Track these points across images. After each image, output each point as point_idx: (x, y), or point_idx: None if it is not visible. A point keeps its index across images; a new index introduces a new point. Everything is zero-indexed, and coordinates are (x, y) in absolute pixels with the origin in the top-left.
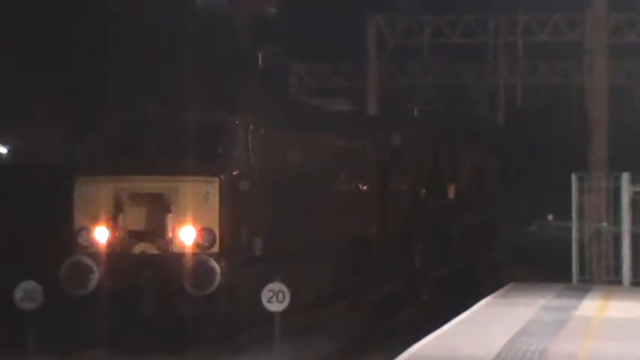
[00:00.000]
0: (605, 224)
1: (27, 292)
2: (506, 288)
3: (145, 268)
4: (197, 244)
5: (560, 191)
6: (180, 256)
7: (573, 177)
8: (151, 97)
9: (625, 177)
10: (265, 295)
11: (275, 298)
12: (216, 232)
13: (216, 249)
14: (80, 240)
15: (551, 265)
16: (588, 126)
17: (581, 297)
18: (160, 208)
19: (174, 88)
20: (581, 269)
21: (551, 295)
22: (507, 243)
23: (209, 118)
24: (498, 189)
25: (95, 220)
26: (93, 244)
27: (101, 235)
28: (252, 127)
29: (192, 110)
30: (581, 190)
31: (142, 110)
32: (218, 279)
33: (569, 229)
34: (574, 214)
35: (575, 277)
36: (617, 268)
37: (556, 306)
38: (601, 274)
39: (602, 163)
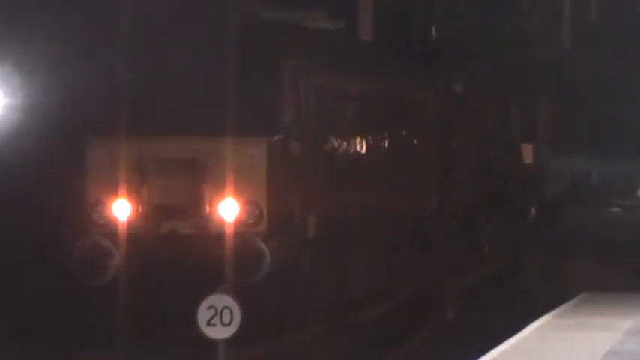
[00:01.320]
0: None
1: None
2: (575, 301)
3: (175, 251)
4: (240, 221)
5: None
6: (219, 236)
7: None
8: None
9: None
10: (203, 315)
11: (218, 318)
12: (264, 206)
13: (263, 227)
14: (95, 217)
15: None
16: None
17: None
18: (193, 177)
19: (204, 27)
20: None
21: None
22: (578, 230)
23: (252, 63)
24: (566, 150)
25: (113, 192)
26: (111, 221)
27: (121, 210)
28: (304, 73)
29: (229, 53)
30: None
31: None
32: (267, 264)
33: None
34: None
35: None
36: None
37: None
38: None
39: None
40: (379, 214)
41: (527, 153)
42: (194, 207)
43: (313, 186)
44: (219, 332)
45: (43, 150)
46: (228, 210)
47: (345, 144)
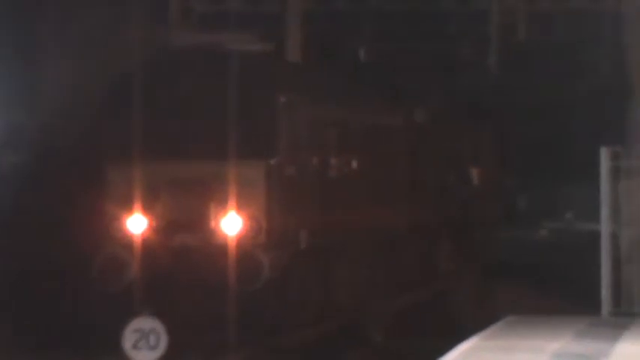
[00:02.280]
0: None
1: None
2: (501, 323)
3: (184, 261)
4: (242, 235)
5: (584, 175)
6: (223, 248)
7: (603, 152)
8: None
9: None
10: (129, 337)
11: (145, 341)
12: (263, 221)
13: (262, 240)
14: (113, 230)
15: (569, 288)
16: (628, 74)
17: (616, 338)
18: (200, 196)
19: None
20: (616, 295)
21: (569, 335)
22: (504, 253)
23: (252, 96)
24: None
25: (129, 208)
26: (127, 234)
27: (136, 225)
28: (297, 105)
29: (234, 88)
30: (615, 174)
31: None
32: (266, 273)
33: (597, 234)
34: (604, 211)
35: (605, 308)
36: None
37: (577, 352)
38: None
39: None
40: (355, 232)
41: (477, 175)
42: (201, 222)
43: (304, 204)
44: (145, 356)
45: (69, 172)
46: (231, 225)
47: (328, 167)
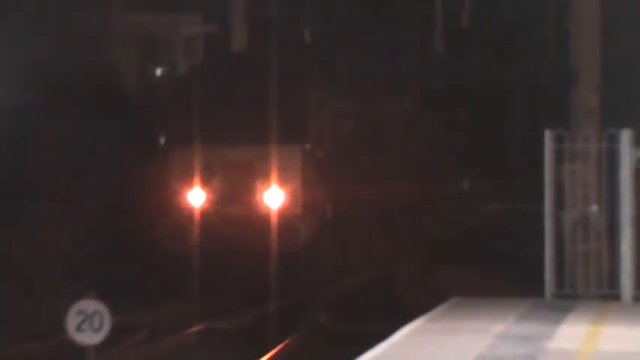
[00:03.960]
0: (595, 208)
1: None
2: (445, 306)
3: (235, 228)
4: (282, 206)
5: (528, 157)
6: (267, 217)
7: (547, 135)
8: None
9: (625, 135)
10: (73, 320)
11: (88, 324)
12: (299, 195)
13: (299, 210)
14: (176, 202)
15: (512, 270)
16: (573, 60)
17: (559, 320)
18: (248, 174)
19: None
20: (559, 277)
21: (512, 316)
22: (445, 234)
23: (291, 94)
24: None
25: (190, 184)
26: (188, 205)
27: (195, 198)
28: (323, 102)
29: (275, 87)
30: (559, 156)
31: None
32: (302, 238)
33: (541, 216)
34: (547, 193)
35: (548, 290)
36: (614, 275)
37: (520, 334)
38: (589, 285)
39: (592, 116)
40: (364, 206)
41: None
42: (249, 196)
43: (330, 181)
44: (89, 338)
45: (140, 153)
46: (273, 198)
47: (345, 151)
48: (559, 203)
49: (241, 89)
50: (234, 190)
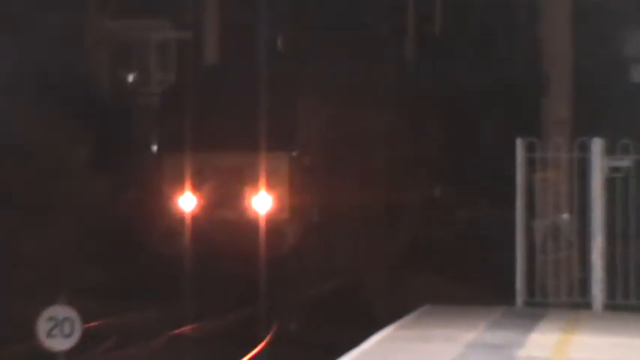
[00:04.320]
0: (566, 216)
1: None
2: (415, 313)
3: (224, 232)
4: (270, 211)
5: (498, 166)
6: (255, 221)
7: (519, 143)
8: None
9: (596, 144)
10: (43, 326)
11: (59, 329)
12: (286, 200)
13: (286, 215)
14: (170, 207)
15: (483, 278)
16: (544, 68)
17: (530, 328)
18: (237, 180)
19: (250, 82)
20: (530, 285)
21: (483, 324)
22: (416, 243)
23: (279, 104)
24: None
25: (181, 189)
26: (179, 210)
27: (186, 202)
28: (310, 111)
29: (264, 97)
30: (530, 165)
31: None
32: (289, 242)
33: (512, 224)
34: (519, 201)
35: (519, 298)
36: (585, 284)
37: (491, 342)
38: (560, 293)
39: (563, 125)
40: (346, 210)
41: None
42: (238, 201)
43: (316, 187)
44: (59, 344)
45: (135, 159)
46: (262, 203)
47: (329, 159)
48: (530, 211)
49: (230, 98)
50: (224, 196)
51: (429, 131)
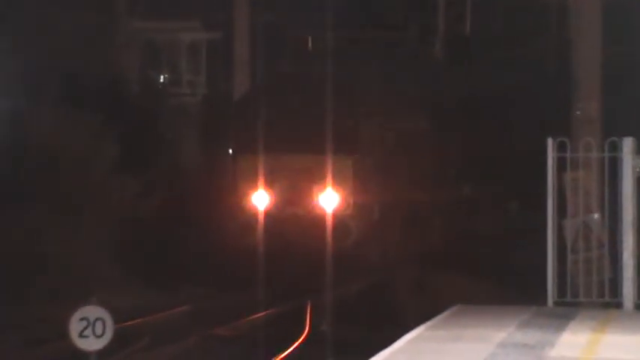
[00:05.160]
0: (597, 216)
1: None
2: (447, 313)
3: (295, 226)
4: (336, 208)
5: (529, 166)
6: (323, 217)
7: (550, 143)
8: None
9: (627, 144)
10: (76, 326)
11: (91, 330)
12: (351, 198)
13: (350, 211)
14: (245, 204)
15: (514, 278)
16: (574, 68)
17: (561, 328)
18: (307, 180)
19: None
20: (561, 285)
21: (514, 324)
22: (446, 241)
23: (346, 111)
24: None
25: (255, 188)
26: (254, 207)
27: (260, 200)
28: (370, 121)
29: (332, 106)
30: (561, 164)
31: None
32: (353, 236)
33: (543, 223)
34: (550, 201)
35: (551, 298)
36: (616, 283)
37: (521, 342)
38: (590, 293)
39: (593, 125)
40: (400, 208)
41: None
42: (307, 198)
43: (376, 187)
44: (91, 344)
45: (215, 161)
46: (328, 200)
47: (387, 161)
48: (561, 211)
49: (301, 105)
50: (294, 194)
51: (462, 132)
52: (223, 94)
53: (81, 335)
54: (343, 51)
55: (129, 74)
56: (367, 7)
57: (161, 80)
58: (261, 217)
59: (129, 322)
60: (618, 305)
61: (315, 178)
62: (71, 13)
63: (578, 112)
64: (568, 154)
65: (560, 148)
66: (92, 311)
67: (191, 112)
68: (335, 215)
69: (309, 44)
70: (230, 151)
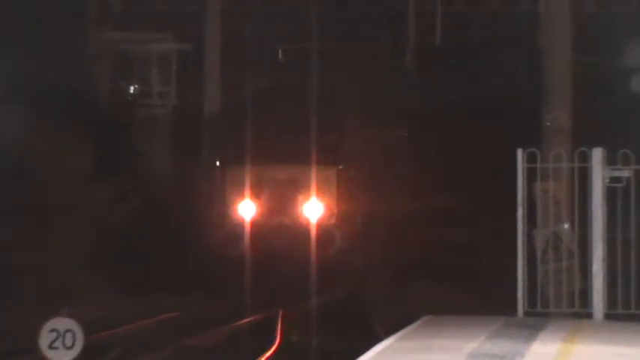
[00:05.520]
0: (567, 226)
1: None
2: (416, 324)
3: (280, 235)
4: (320, 217)
5: (499, 176)
6: (307, 226)
7: (519, 154)
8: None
9: (597, 154)
10: (45, 338)
11: (61, 341)
12: (335, 208)
13: (334, 221)
14: (231, 213)
15: (484, 288)
16: (544, 78)
17: (531, 338)
18: (292, 190)
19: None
20: (531, 295)
21: (484, 335)
22: (414, 253)
23: (329, 123)
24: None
25: (242, 198)
26: (240, 216)
27: (246, 209)
28: (354, 132)
29: (315, 118)
30: (531, 175)
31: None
32: (337, 244)
33: (513, 234)
34: (520, 211)
35: (521, 307)
36: (585, 294)
37: (491, 352)
38: (560, 303)
39: (564, 135)
40: (382, 217)
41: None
42: (292, 208)
43: (359, 197)
44: (61, 356)
45: (200, 171)
46: (313, 210)
47: (369, 172)
48: (531, 221)
49: (285, 117)
50: (280, 203)
51: (435, 142)
52: (194, 104)
53: (51, 347)
54: (318, 62)
55: (100, 85)
56: (342, 18)
57: (131, 91)
58: (247, 226)
59: (101, 333)
60: (588, 315)
61: (299, 188)
62: (42, 24)
63: (548, 123)
64: (538, 165)
65: (531, 158)
66: (62, 323)
67: (161, 122)
68: (319, 224)
69: (280, 55)
70: (217, 162)
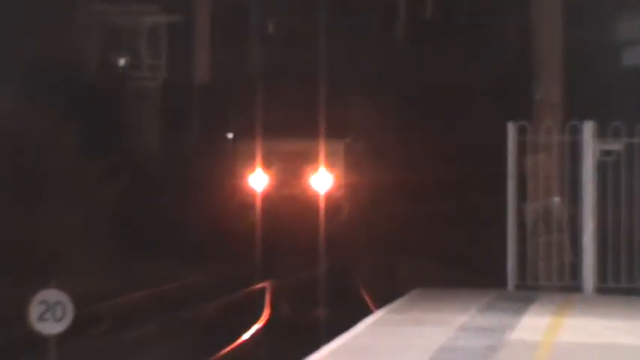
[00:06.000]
0: (557, 199)
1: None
2: (407, 297)
3: (290, 205)
4: (328, 188)
5: (489, 149)
6: (316, 197)
7: (510, 127)
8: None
9: (587, 128)
10: (35, 310)
11: (50, 313)
12: (342, 179)
13: (342, 192)
14: (244, 185)
15: (474, 262)
16: (535, 52)
17: (521, 311)
18: (301, 162)
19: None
20: (521, 269)
21: (475, 308)
22: (404, 224)
23: (337, 97)
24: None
25: (253, 170)
26: (251, 188)
27: (257, 181)
28: (361, 106)
29: (324, 91)
30: (521, 148)
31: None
32: (345, 214)
33: (503, 208)
34: (510, 185)
35: (511, 281)
36: (575, 268)
37: (482, 325)
38: (551, 277)
39: (554, 108)
40: (387, 190)
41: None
42: (302, 179)
43: (365, 168)
44: (50, 327)
45: (213, 145)
46: (321, 181)
47: (376, 145)
48: (521, 195)
49: (296, 92)
50: (290, 175)
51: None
52: (184, 77)
53: (40, 318)
54: (311, 36)
55: (89, 58)
56: None
57: (121, 64)
58: (258, 198)
59: (91, 306)
60: (578, 289)
61: (308, 160)
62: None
63: (537, 96)
64: (528, 138)
65: (521, 132)
66: (52, 295)
67: (151, 95)
68: (327, 196)
69: (271, 29)
70: (230, 135)
